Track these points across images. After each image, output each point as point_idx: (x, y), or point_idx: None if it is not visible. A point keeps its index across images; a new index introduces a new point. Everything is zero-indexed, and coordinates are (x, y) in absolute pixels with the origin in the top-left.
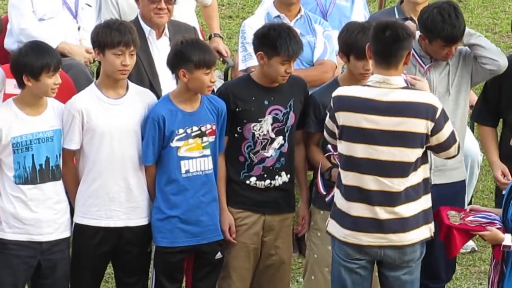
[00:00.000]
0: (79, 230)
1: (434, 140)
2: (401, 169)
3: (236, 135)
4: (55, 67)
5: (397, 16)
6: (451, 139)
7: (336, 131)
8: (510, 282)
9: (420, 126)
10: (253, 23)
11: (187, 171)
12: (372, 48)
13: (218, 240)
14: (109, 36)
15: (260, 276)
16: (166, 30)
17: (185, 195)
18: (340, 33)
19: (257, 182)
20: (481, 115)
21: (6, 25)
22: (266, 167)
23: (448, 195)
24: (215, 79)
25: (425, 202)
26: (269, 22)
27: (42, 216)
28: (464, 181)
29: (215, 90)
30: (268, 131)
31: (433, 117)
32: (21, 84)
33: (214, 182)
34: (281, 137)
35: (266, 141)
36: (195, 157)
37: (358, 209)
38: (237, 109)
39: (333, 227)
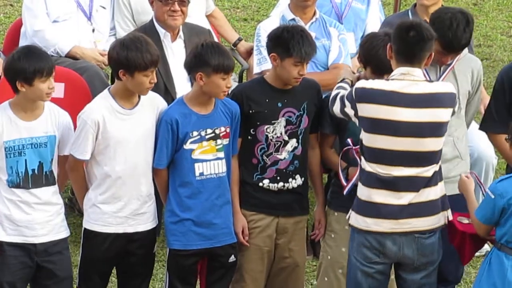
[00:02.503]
0: (89, 235)
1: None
2: (428, 158)
3: (249, 137)
4: (48, 72)
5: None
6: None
7: (353, 117)
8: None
9: (447, 115)
10: (268, 26)
11: (201, 174)
12: (394, 47)
13: (231, 243)
14: (141, 59)
15: (274, 279)
16: (181, 33)
17: (199, 197)
18: (364, 43)
19: (270, 185)
20: (491, 126)
21: None
22: (280, 170)
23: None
24: (231, 84)
25: (442, 188)
26: (283, 24)
27: (36, 218)
28: None
29: (229, 92)
30: (281, 134)
31: (455, 104)
32: (15, 90)
33: (228, 184)
34: (294, 140)
35: (279, 143)
36: (209, 159)
37: (381, 196)
38: (251, 111)
39: (355, 218)
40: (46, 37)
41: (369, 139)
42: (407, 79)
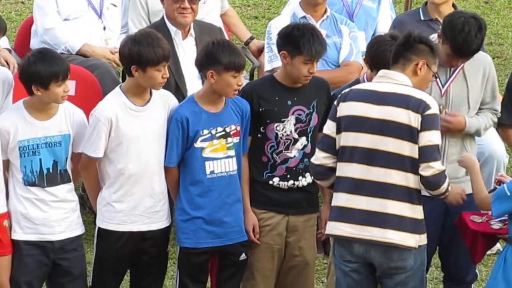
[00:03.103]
0: (102, 234)
1: (421, 138)
2: (390, 160)
3: (259, 135)
4: (63, 76)
5: (422, 17)
6: (435, 152)
7: (334, 129)
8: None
9: (402, 115)
10: (279, 24)
11: (212, 172)
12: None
13: (242, 241)
14: (153, 54)
15: (284, 277)
16: (192, 31)
17: (210, 196)
18: (370, 46)
19: (280, 183)
20: (506, 118)
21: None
22: (289, 168)
23: (463, 207)
24: (241, 82)
25: (414, 211)
26: (294, 22)
27: (52, 216)
28: None
29: (239, 90)
30: (291, 132)
31: (418, 109)
32: (30, 93)
33: (238, 183)
34: (304, 138)
35: (289, 141)
36: (220, 158)
37: (340, 199)
38: (260, 109)
39: (328, 225)
40: (57, 35)
41: (343, 138)
42: (384, 81)
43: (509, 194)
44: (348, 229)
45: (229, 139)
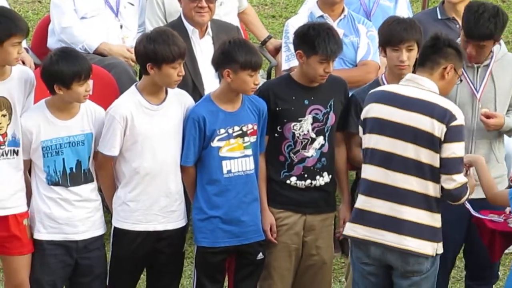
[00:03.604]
0: (119, 234)
1: (443, 150)
2: (409, 167)
3: (276, 134)
4: (86, 75)
5: (439, 16)
6: (458, 165)
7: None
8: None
9: (425, 123)
10: (297, 23)
11: (229, 171)
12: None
13: (259, 240)
14: (169, 52)
15: (302, 276)
16: (209, 30)
17: (227, 195)
18: (379, 28)
19: (297, 182)
20: None
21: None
22: (307, 167)
23: (485, 206)
24: (258, 81)
25: (433, 219)
26: (310, 21)
27: (76, 215)
28: None
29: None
30: (308, 131)
31: (443, 119)
32: (52, 92)
33: (256, 182)
34: (321, 137)
35: (306, 140)
36: (237, 157)
37: (360, 201)
38: (277, 109)
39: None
40: (74, 33)
41: (367, 140)
42: (411, 85)
43: None
44: (363, 231)
45: (246, 138)
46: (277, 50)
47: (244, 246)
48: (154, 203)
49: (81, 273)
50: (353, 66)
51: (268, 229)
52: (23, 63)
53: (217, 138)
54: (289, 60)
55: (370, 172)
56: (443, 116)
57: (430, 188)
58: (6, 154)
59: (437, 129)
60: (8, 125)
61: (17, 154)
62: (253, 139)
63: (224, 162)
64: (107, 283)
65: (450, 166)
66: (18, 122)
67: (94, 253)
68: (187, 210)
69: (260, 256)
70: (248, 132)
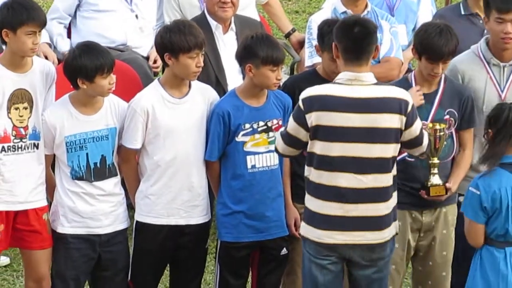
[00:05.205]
0: (141, 228)
1: (407, 135)
2: (378, 166)
3: None
4: (109, 68)
5: (462, 12)
6: (421, 135)
7: (303, 134)
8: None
9: (394, 121)
10: (320, 19)
11: (253, 166)
12: (340, 46)
13: (283, 236)
14: (184, 41)
15: None
16: (233, 25)
17: (251, 190)
18: (418, 32)
19: None
20: None
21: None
22: None
23: None
24: (281, 76)
25: (394, 199)
26: (327, 18)
27: (100, 209)
28: None
29: (281, 84)
30: None
31: (405, 111)
32: (75, 86)
33: (280, 177)
34: None
35: None
36: (261, 152)
37: (332, 208)
38: None
39: (306, 229)
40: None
41: (318, 147)
42: (355, 84)
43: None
44: (342, 237)
45: (271, 134)
46: (300, 44)
47: (267, 242)
48: (176, 197)
49: (103, 267)
50: (376, 63)
51: (292, 224)
52: (46, 58)
53: (241, 133)
54: (312, 57)
55: (340, 180)
56: (399, 107)
57: (390, 178)
58: (28, 148)
59: (399, 121)
60: (29, 118)
61: (37, 147)
62: (278, 134)
63: (248, 157)
64: (130, 278)
65: (419, 140)
66: (39, 115)
67: (117, 247)
68: (211, 205)
69: (284, 251)
70: (273, 127)
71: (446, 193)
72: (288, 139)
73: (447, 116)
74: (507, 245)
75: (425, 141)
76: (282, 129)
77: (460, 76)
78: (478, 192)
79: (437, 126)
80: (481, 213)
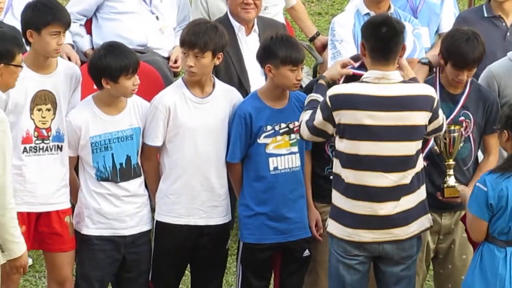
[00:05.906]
0: (161, 228)
1: (431, 127)
2: (405, 163)
3: None
4: (133, 69)
5: (485, 14)
6: (442, 125)
7: (331, 129)
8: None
9: (422, 118)
10: (343, 21)
11: (275, 168)
12: (368, 45)
13: (305, 237)
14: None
15: None
16: (256, 27)
17: (273, 192)
18: (445, 37)
19: None
20: None
21: None
22: None
23: None
24: (301, 76)
25: (422, 192)
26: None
27: (125, 210)
28: None
29: (303, 86)
30: None
31: (432, 108)
32: (99, 86)
33: (302, 179)
34: None
35: None
36: (283, 154)
37: (361, 207)
38: None
39: (334, 227)
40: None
41: (346, 146)
42: (383, 82)
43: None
44: (371, 235)
45: (293, 136)
46: (324, 46)
47: (290, 243)
48: (195, 197)
49: (127, 268)
50: None
51: (314, 225)
52: (69, 59)
53: (263, 134)
54: (335, 58)
55: (368, 179)
56: (427, 104)
57: (419, 166)
58: (51, 149)
59: (427, 118)
60: (52, 119)
61: (61, 149)
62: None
63: (270, 159)
64: (150, 278)
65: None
66: (63, 117)
67: (142, 248)
68: (232, 206)
69: (306, 253)
70: (295, 129)
71: None
72: (315, 131)
73: (462, 118)
74: (508, 245)
75: (444, 123)
76: (307, 117)
77: (496, 82)
78: (485, 189)
79: (452, 127)
80: (486, 210)
